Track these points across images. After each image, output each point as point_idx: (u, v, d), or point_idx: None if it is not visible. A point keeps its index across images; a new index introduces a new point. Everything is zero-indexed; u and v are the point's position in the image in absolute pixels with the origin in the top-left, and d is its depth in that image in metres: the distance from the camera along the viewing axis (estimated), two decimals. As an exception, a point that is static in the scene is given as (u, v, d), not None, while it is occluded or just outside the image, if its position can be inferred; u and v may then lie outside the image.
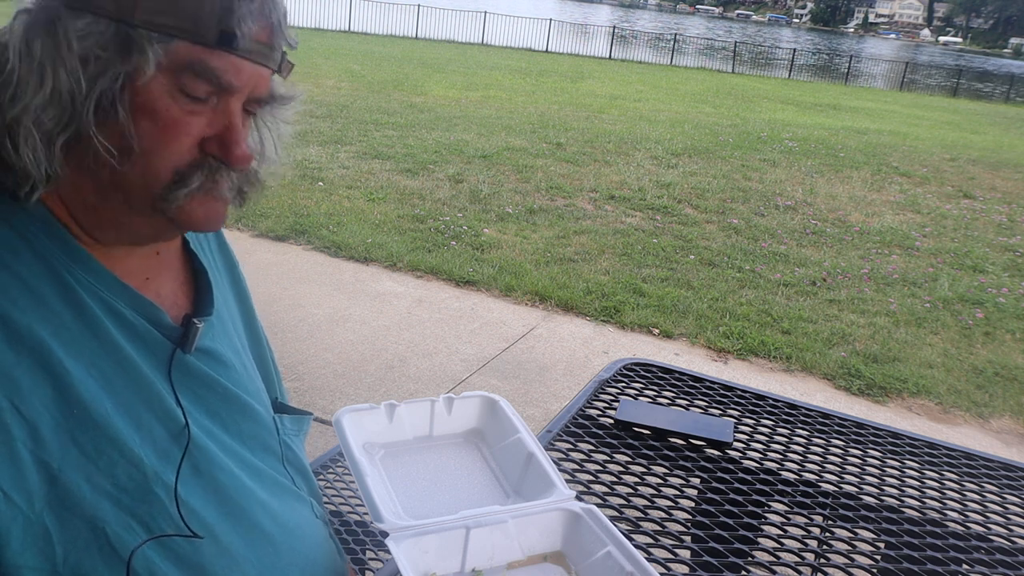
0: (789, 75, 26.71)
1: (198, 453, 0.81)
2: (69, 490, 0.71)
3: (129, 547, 0.73)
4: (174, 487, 0.76)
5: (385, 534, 0.90)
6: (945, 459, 1.67)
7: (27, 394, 0.69)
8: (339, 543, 1.04)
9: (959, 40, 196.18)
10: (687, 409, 1.74)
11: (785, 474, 1.55)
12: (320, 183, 6.79)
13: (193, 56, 0.72)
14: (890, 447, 1.69)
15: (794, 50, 31.28)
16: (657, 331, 4.53)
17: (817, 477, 1.54)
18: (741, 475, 1.51)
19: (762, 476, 1.51)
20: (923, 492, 1.53)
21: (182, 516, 0.76)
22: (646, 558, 1.01)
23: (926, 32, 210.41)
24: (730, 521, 1.37)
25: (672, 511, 1.38)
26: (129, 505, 0.74)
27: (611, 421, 1.64)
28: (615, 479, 1.45)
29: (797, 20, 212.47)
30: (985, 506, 1.51)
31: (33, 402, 0.70)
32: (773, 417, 1.76)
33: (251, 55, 0.75)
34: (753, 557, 1.30)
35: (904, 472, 1.60)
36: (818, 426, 1.74)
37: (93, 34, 0.70)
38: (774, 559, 1.29)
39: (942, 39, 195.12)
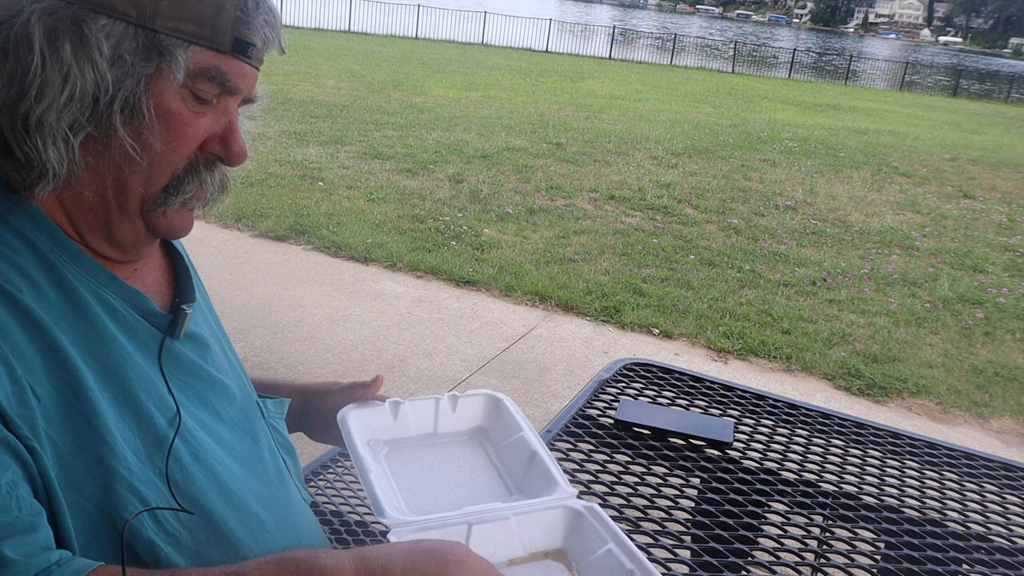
0: (789, 75, 26.72)
1: (192, 440, 0.82)
2: (77, 473, 0.72)
3: (132, 530, 0.75)
4: (165, 468, 0.78)
5: (387, 529, 0.91)
6: (945, 459, 1.67)
7: (39, 375, 0.71)
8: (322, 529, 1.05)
9: (959, 40, 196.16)
10: (687, 409, 1.74)
11: (785, 474, 1.55)
12: (320, 183, 6.79)
13: (209, 61, 0.77)
14: (890, 447, 1.69)
15: (794, 50, 31.27)
16: (657, 331, 4.53)
17: (817, 477, 1.54)
18: (741, 475, 1.51)
19: (762, 476, 1.51)
20: (923, 492, 1.53)
21: (173, 494, 0.77)
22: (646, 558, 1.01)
23: (926, 32, 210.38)
24: (730, 521, 1.37)
25: (672, 511, 1.38)
26: (135, 490, 0.75)
27: (611, 421, 1.64)
28: (615, 479, 1.45)
29: (797, 20, 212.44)
30: (985, 506, 1.51)
31: (45, 383, 0.72)
32: (773, 417, 1.76)
33: (255, 61, 0.81)
34: (753, 557, 1.30)
35: (904, 472, 1.60)
36: (818, 426, 1.74)
37: (115, 36, 0.73)
38: (774, 559, 1.29)
39: (942, 39, 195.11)
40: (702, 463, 1.54)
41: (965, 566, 1.32)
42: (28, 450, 0.69)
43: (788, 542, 1.34)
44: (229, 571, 0.72)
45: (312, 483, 1.53)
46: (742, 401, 1.82)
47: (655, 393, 1.81)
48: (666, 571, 1.22)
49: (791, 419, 1.76)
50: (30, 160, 0.73)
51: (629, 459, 1.52)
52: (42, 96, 0.71)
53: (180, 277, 0.94)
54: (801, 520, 1.41)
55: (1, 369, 0.68)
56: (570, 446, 1.54)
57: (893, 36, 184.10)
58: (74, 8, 0.72)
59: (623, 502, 1.38)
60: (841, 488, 1.51)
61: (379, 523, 1.43)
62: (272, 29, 0.81)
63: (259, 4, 0.79)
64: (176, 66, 0.75)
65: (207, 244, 5.11)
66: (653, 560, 1.24)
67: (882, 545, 1.37)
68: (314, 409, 1.12)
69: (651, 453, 1.55)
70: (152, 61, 0.74)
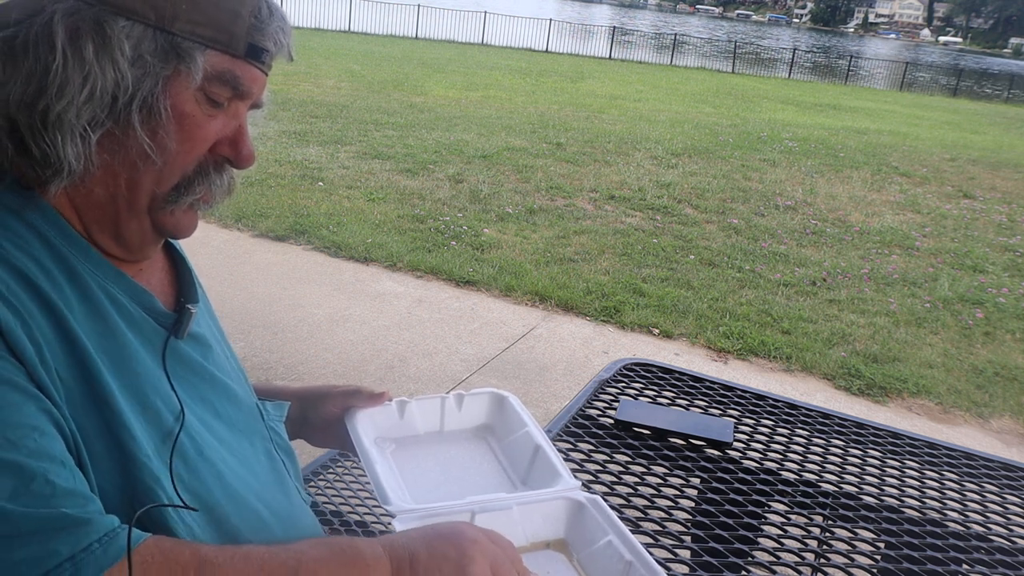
0: (789, 75, 26.71)
1: (197, 437, 0.83)
2: (99, 455, 0.74)
3: (156, 519, 0.76)
4: (169, 463, 0.78)
5: (392, 516, 0.91)
6: (945, 459, 1.67)
7: (61, 360, 0.73)
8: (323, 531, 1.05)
9: (959, 40, 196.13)
10: (687, 409, 1.74)
11: (785, 474, 1.55)
12: (320, 183, 6.79)
13: (224, 65, 0.79)
14: (890, 447, 1.69)
15: (794, 50, 31.30)
16: (657, 331, 4.53)
17: (817, 477, 1.54)
18: (741, 475, 1.51)
19: (762, 476, 1.51)
20: (923, 492, 1.53)
21: (176, 490, 0.78)
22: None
23: (926, 32, 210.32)
24: (730, 521, 1.37)
25: (672, 511, 1.38)
26: (156, 479, 0.76)
27: (611, 421, 1.64)
28: (615, 479, 1.45)
29: (797, 20, 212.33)
30: (985, 506, 1.51)
31: (65, 368, 0.73)
32: (773, 417, 1.76)
33: (266, 66, 0.83)
34: (753, 557, 1.30)
35: (904, 472, 1.60)
36: (818, 426, 1.74)
37: (135, 37, 0.74)
38: (774, 559, 1.29)
39: (942, 39, 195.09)
40: (702, 463, 1.54)
41: (965, 566, 1.32)
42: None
43: (788, 542, 1.34)
44: (289, 549, 0.75)
45: (312, 483, 1.53)
46: (742, 401, 1.82)
47: (655, 393, 1.81)
48: (666, 571, 1.22)
49: (791, 419, 1.76)
50: (47, 157, 0.74)
51: (629, 459, 1.52)
52: (62, 94, 0.73)
53: (182, 278, 0.95)
54: (801, 520, 1.41)
55: (31, 348, 0.70)
56: (570, 446, 1.54)
57: (893, 36, 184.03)
58: (95, 9, 0.73)
59: (623, 502, 1.38)
60: (841, 488, 1.51)
61: (379, 523, 1.43)
62: (284, 35, 0.83)
63: (273, 11, 0.82)
64: (195, 68, 0.77)
65: (207, 244, 5.10)
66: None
67: (882, 545, 1.37)
68: (313, 414, 1.12)
69: (651, 453, 1.55)
70: (170, 63, 0.76)
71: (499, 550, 0.80)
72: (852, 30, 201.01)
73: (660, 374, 1.90)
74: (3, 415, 0.66)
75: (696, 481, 1.52)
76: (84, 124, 0.74)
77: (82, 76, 0.73)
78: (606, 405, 1.72)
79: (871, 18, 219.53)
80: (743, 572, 1.28)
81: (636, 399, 1.77)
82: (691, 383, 1.87)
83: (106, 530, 0.67)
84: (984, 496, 1.54)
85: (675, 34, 30.80)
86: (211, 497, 0.81)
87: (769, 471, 1.54)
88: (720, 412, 1.76)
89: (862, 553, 1.33)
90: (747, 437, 1.66)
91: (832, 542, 1.36)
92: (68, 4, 0.73)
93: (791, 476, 1.54)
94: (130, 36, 0.74)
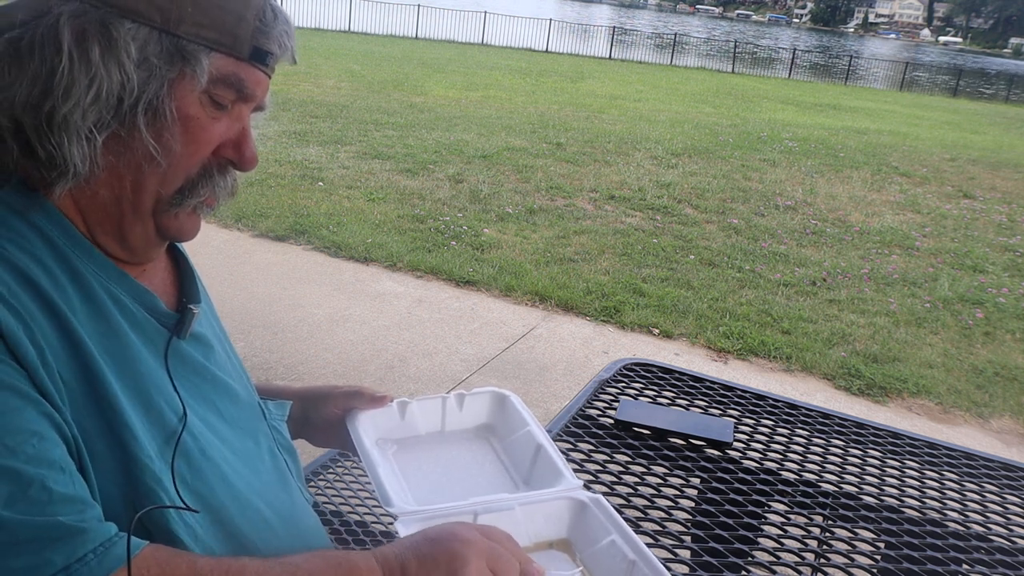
0: (789, 75, 26.71)
1: (200, 437, 0.83)
2: (102, 456, 0.73)
3: (158, 522, 0.75)
4: (171, 463, 0.78)
5: (395, 517, 0.91)
6: (945, 459, 1.67)
7: (63, 361, 0.73)
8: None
9: (959, 40, 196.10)
10: (687, 409, 1.74)
11: (785, 474, 1.55)
12: (320, 183, 6.80)
13: (229, 68, 0.79)
14: (890, 447, 1.69)
15: (794, 50, 31.31)
16: (657, 331, 4.53)
17: (817, 477, 1.54)
18: (741, 475, 1.51)
19: (762, 476, 1.51)
20: (923, 492, 1.53)
21: (179, 491, 0.78)
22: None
23: (926, 32, 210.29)
24: (730, 521, 1.37)
25: (672, 511, 1.38)
26: (159, 480, 0.76)
27: (611, 421, 1.64)
28: (615, 479, 1.45)
29: (797, 20, 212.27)
30: (985, 506, 1.51)
31: (67, 370, 0.73)
32: (773, 417, 1.76)
33: (270, 69, 0.84)
34: (753, 557, 1.30)
35: (904, 472, 1.60)
36: (818, 426, 1.74)
37: (140, 39, 0.75)
38: (774, 559, 1.29)
39: (942, 39, 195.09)
40: (702, 463, 1.54)
41: (965, 566, 1.32)
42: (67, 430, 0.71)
43: (788, 542, 1.34)
44: (284, 563, 0.75)
45: (312, 483, 1.53)
46: (742, 401, 1.82)
47: (655, 393, 1.81)
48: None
49: (791, 419, 1.76)
50: (52, 158, 0.74)
51: (629, 459, 1.52)
52: (68, 96, 0.73)
53: (184, 278, 0.95)
54: (801, 520, 1.41)
55: (33, 352, 0.70)
56: (570, 446, 1.54)
57: (893, 36, 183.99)
58: (101, 11, 0.74)
59: (623, 502, 1.38)
60: (841, 488, 1.51)
61: (379, 523, 1.43)
62: (288, 38, 0.84)
63: (277, 14, 0.82)
64: (200, 71, 0.77)
65: (207, 244, 5.10)
66: (653, 560, 1.23)
67: (882, 545, 1.37)
68: (315, 414, 1.13)
69: (651, 453, 1.55)
70: (175, 65, 0.76)
71: (496, 545, 0.79)
72: (852, 30, 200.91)
73: (660, 374, 1.90)
74: (2, 420, 0.66)
75: (696, 481, 1.52)
76: (90, 126, 0.74)
77: (88, 78, 0.73)
78: (606, 405, 1.72)
79: (871, 18, 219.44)
80: (743, 572, 1.28)
81: (636, 399, 1.77)
82: (691, 383, 1.87)
83: (102, 539, 0.67)
84: (984, 496, 1.54)
85: (675, 34, 30.82)
86: (214, 497, 0.81)
87: (769, 471, 1.54)
88: (720, 412, 1.76)
89: (862, 553, 1.33)
90: (747, 437, 1.66)
91: (832, 542, 1.36)
92: (74, 6, 0.73)
93: (791, 476, 1.54)
94: (136, 38, 0.74)
